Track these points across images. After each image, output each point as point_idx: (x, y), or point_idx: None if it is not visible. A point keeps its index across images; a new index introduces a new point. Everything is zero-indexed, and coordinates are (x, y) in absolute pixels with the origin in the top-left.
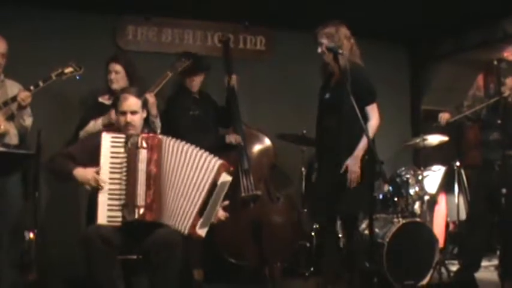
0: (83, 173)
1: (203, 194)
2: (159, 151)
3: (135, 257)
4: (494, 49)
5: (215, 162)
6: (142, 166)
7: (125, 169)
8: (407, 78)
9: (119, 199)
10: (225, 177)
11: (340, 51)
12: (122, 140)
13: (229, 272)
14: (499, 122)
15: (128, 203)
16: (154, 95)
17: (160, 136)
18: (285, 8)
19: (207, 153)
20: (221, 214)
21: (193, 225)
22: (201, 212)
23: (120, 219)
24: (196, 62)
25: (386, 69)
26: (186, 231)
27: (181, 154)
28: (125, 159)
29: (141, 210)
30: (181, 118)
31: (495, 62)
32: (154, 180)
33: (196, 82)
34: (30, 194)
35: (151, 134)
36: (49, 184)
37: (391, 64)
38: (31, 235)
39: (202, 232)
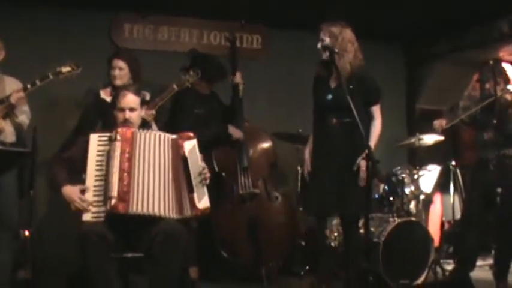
0: (69, 191)
1: (181, 172)
2: (132, 143)
3: (130, 255)
4: (490, 49)
5: (171, 139)
6: (116, 159)
7: (105, 164)
8: (403, 78)
9: (102, 195)
10: (190, 145)
11: (336, 50)
12: (107, 137)
13: (225, 270)
14: (494, 122)
15: (106, 196)
16: (155, 110)
17: (134, 129)
18: (281, 7)
19: (164, 134)
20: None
21: (193, 203)
22: (191, 188)
23: (104, 214)
24: (206, 70)
25: (381, 69)
26: (189, 212)
27: (149, 144)
28: (106, 155)
29: (113, 201)
30: (185, 116)
31: (491, 62)
32: (128, 172)
33: (203, 85)
34: (26, 192)
35: (125, 127)
36: (45, 182)
37: (386, 63)
38: (26, 233)
39: (205, 204)
